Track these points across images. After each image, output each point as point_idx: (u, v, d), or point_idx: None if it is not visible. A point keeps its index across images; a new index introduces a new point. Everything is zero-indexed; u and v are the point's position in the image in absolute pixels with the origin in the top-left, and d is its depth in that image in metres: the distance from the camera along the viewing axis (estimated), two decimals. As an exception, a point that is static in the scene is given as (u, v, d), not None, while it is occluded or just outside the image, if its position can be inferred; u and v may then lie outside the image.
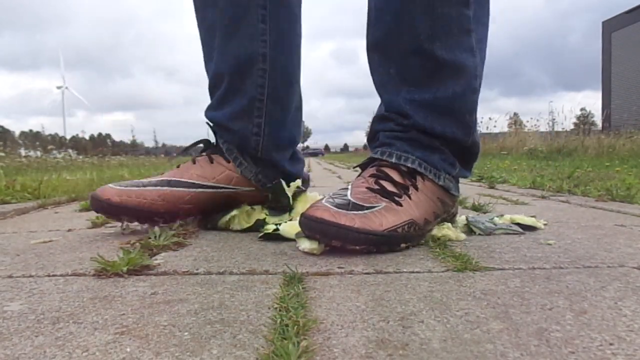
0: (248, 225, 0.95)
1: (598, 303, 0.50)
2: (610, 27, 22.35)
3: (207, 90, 1.06)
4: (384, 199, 0.78)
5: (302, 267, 0.66)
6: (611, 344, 0.39)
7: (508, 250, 0.76)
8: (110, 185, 0.94)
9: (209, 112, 1.05)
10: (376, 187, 0.80)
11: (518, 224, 0.94)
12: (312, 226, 0.72)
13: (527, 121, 12.18)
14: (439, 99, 0.86)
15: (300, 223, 0.74)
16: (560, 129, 9.94)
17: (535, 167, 4.25)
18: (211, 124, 1.04)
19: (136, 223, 0.95)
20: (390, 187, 0.80)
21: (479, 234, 0.89)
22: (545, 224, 1.00)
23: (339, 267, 0.65)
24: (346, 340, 0.40)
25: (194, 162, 1.00)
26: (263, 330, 0.43)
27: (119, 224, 0.95)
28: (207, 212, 0.99)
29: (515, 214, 1.02)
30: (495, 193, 1.92)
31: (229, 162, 1.00)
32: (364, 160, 0.89)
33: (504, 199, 1.67)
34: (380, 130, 0.91)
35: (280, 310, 0.48)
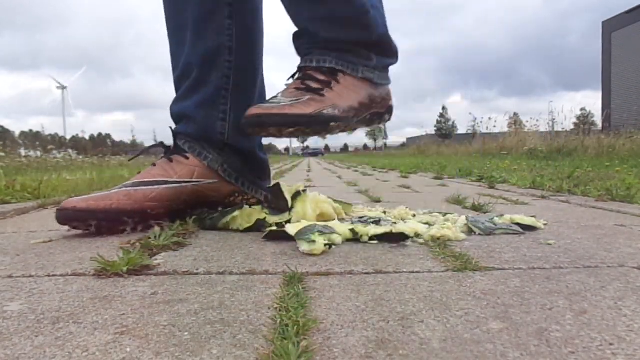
0: (248, 225, 0.95)
1: (598, 303, 0.50)
2: (610, 27, 22.34)
3: None
4: (309, 93, 0.91)
5: (302, 267, 0.66)
6: (611, 344, 0.39)
7: (508, 250, 0.76)
8: (73, 198, 0.96)
9: (176, 105, 1.10)
10: (302, 86, 0.93)
11: (518, 224, 0.94)
12: (250, 122, 0.86)
13: (527, 121, 12.18)
14: (335, 11, 0.96)
15: (241, 124, 0.88)
16: (560, 129, 9.95)
17: (535, 167, 4.25)
18: (174, 121, 1.10)
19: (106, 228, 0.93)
20: (314, 84, 0.93)
21: (479, 234, 0.89)
22: (545, 224, 1.00)
23: (339, 267, 0.65)
24: (346, 340, 0.40)
25: (154, 165, 1.04)
26: (263, 330, 0.43)
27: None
28: (175, 211, 1.00)
29: (515, 214, 1.02)
30: (495, 193, 1.91)
31: (187, 159, 1.04)
32: (295, 72, 1.00)
33: (504, 199, 1.67)
34: (299, 45, 1.02)
35: (280, 310, 0.48)
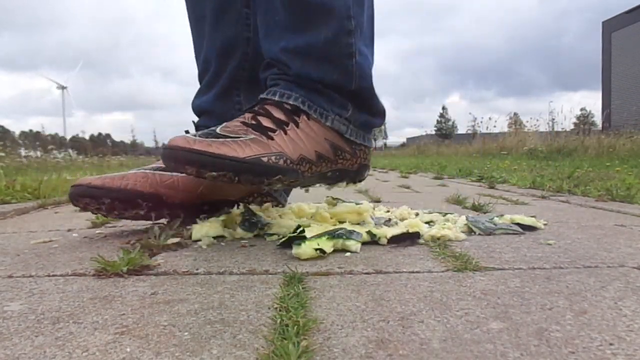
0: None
1: (598, 303, 0.50)
2: (610, 27, 22.34)
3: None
4: (255, 132, 0.76)
5: (302, 267, 0.66)
6: (611, 344, 0.39)
7: (508, 250, 0.76)
8: (88, 177, 0.95)
9: (196, 100, 1.06)
10: (252, 122, 0.79)
11: (518, 224, 0.94)
12: (166, 154, 0.72)
13: (527, 121, 12.17)
14: (312, 45, 0.83)
15: (161, 155, 0.74)
16: (560, 129, 9.94)
17: (535, 167, 4.25)
18: (196, 115, 1.06)
19: (118, 211, 0.91)
20: (267, 122, 0.79)
21: (479, 234, 0.89)
22: (545, 224, 1.00)
23: (339, 267, 0.65)
24: (346, 340, 0.40)
25: None
26: (263, 330, 0.43)
27: (119, 224, 0.95)
28: (190, 205, 0.95)
29: (515, 214, 1.02)
30: (495, 193, 1.91)
31: None
32: (254, 103, 0.87)
33: (504, 199, 1.67)
34: (267, 76, 0.89)
35: (280, 310, 0.48)
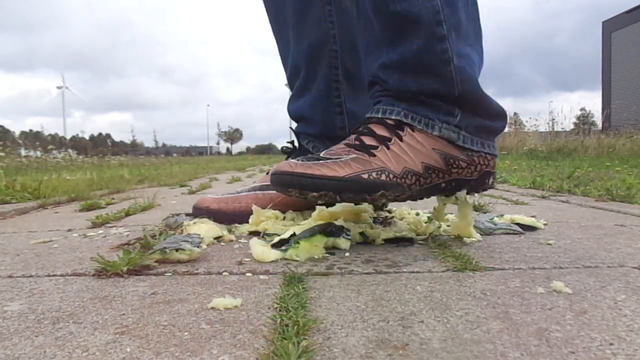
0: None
1: (598, 303, 0.50)
2: (610, 27, 22.34)
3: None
4: (357, 151, 0.77)
5: (302, 267, 0.66)
6: (611, 344, 0.39)
7: (508, 250, 0.76)
8: (207, 196, 1.02)
9: (291, 104, 1.08)
10: (355, 142, 0.79)
11: (518, 224, 0.94)
12: (273, 179, 0.76)
13: (527, 121, 12.15)
14: (407, 58, 0.80)
15: (270, 180, 0.77)
16: (560, 129, 9.93)
17: (535, 167, 4.25)
18: (294, 119, 1.09)
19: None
20: (369, 140, 0.79)
21: (479, 234, 0.89)
22: (545, 224, 1.00)
23: (338, 268, 0.65)
24: (346, 340, 0.40)
25: None
26: (263, 330, 0.43)
27: (119, 224, 0.96)
28: (301, 207, 1.01)
29: (515, 214, 1.02)
30: (495, 193, 1.91)
31: None
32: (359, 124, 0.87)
33: (504, 199, 1.67)
34: (371, 94, 0.88)
35: (280, 310, 0.48)
